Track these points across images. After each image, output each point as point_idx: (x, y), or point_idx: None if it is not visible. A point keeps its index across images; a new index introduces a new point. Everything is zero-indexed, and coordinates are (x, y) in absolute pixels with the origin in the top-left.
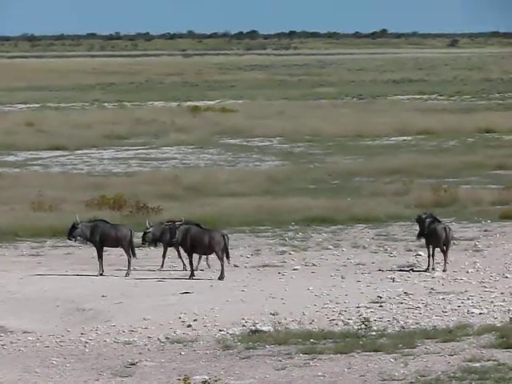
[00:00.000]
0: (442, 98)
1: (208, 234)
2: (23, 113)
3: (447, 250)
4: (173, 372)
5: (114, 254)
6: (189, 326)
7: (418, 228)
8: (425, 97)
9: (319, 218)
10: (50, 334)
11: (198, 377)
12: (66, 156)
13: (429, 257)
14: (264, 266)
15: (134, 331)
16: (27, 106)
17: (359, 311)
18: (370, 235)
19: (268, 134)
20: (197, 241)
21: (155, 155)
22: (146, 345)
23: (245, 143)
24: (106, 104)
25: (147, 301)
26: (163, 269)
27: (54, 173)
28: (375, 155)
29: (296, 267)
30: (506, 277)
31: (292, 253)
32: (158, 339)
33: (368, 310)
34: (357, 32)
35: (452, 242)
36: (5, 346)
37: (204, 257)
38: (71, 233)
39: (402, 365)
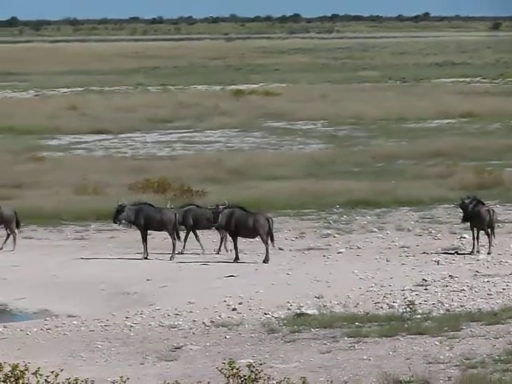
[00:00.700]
0: (484, 80)
1: (253, 217)
2: (66, 97)
3: (492, 232)
4: (218, 356)
5: (159, 238)
6: (234, 309)
7: (462, 211)
8: (467, 80)
9: (363, 201)
10: (94, 318)
11: (242, 360)
12: (109, 140)
13: (473, 239)
14: (309, 249)
15: (178, 315)
16: (70, 90)
17: (404, 294)
18: (414, 218)
19: (311, 117)
20: (241, 224)
21: (199, 138)
22: (190, 328)
23: (288, 126)
24: (150, 88)
25: (192, 284)
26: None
27: (97, 156)
28: (418, 138)
29: (340, 250)
30: None
31: (336, 236)
32: (203, 323)
33: (413, 293)
34: (400, 15)
35: (496, 224)
36: (50, 331)
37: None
38: (116, 216)
39: (447, 348)
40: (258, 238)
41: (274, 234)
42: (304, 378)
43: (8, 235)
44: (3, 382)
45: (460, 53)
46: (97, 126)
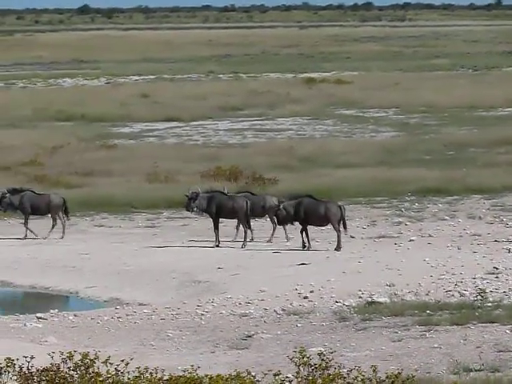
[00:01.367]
0: None
1: (324, 205)
2: (138, 84)
3: None
4: (289, 344)
5: (230, 226)
6: (305, 297)
7: None
8: None
9: (434, 189)
10: (165, 307)
11: (313, 349)
12: (181, 127)
13: None
14: (380, 237)
15: (250, 303)
16: (142, 77)
17: (475, 282)
18: (485, 206)
19: (383, 105)
20: (312, 212)
21: (270, 126)
22: (262, 317)
23: (360, 114)
24: (221, 75)
25: (263, 272)
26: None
27: (169, 144)
28: (489, 126)
29: (412, 238)
30: None
31: (408, 224)
32: (275, 311)
33: (484, 281)
34: (471, 4)
35: None
36: (120, 319)
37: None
38: (189, 204)
39: None
40: (329, 226)
41: (346, 221)
42: (375, 366)
43: (54, 224)
44: (73, 370)
45: None
46: (168, 114)
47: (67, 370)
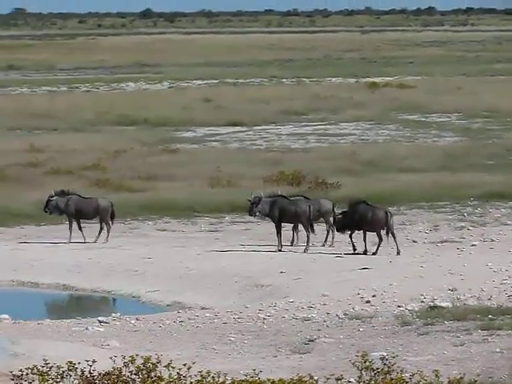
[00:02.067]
0: None
1: (372, 210)
2: (201, 89)
3: None
4: (351, 348)
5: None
6: (367, 301)
7: None
8: None
9: (497, 194)
10: (227, 311)
11: (376, 353)
12: (244, 132)
13: None
14: (442, 242)
15: (312, 307)
16: (205, 82)
17: None
18: None
19: (446, 110)
20: (362, 217)
21: (333, 131)
22: (324, 321)
23: (423, 119)
24: (284, 80)
25: (326, 277)
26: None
27: (231, 148)
28: None
29: (474, 243)
30: None
31: (470, 228)
32: (337, 315)
33: None
34: None
35: None
36: (182, 323)
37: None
38: (252, 208)
39: None
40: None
41: (409, 226)
42: (437, 370)
43: (101, 228)
44: (135, 374)
45: None
46: (231, 118)
47: (129, 374)
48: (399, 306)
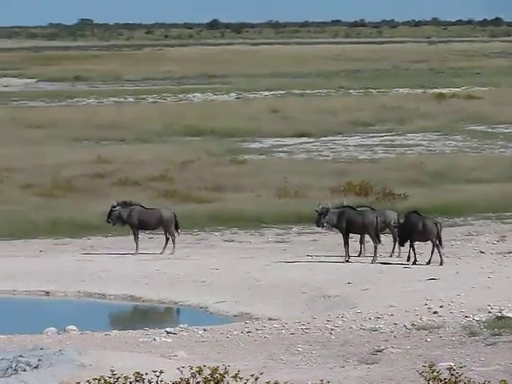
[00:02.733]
0: None
1: (422, 220)
2: (267, 99)
3: None
4: (418, 359)
5: (356, 240)
6: (435, 312)
7: None
8: None
9: None
10: (295, 321)
11: (443, 363)
12: (311, 142)
13: None
14: (510, 253)
15: (379, 318)
16: (272, 92)
17: None
18: None
19: None
20: (413, 228)
21: (400, 142)
22: (392, 331)
23: (490, 130)
24: (351, 91)
25: (393, 287)
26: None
27: (299, 159)
28: None
29: None
30: None
31: None
32: (404, 326)
33: None
34: None
35: None
36: (250, 333)
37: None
38: (319, 219)
39: None
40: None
41: (476, 236)
42: (504, 381)
43: (167, 239)
44: None
45: None
46: (298, 129)
47: None
48: (466, 317)
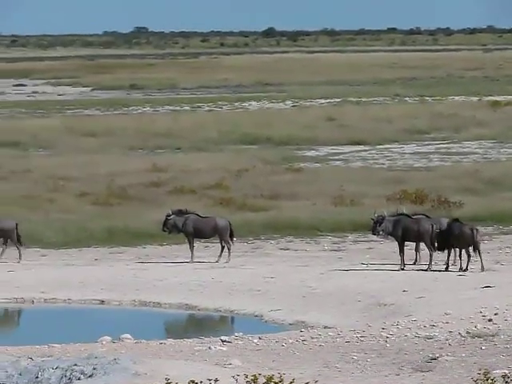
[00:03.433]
0: None
1: (459, 228)
2: (323, 107)
3: None
4: (473, 366)
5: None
6: (489, 320)
7: None
8: None
9: None
10: (350, 329)
11: (498, 371)
12: (367, 151)
13: None
14: None
15: (434, 326)
16: (327, 100)
17: None
18: None
19: None
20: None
21: (456, 150)
22: (446, 339)
23: None
24: (407, 98)
25: (448, 295)
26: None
27: (354, 167)
28: None
29: None
30: None
31: None
32: (459, 333)
33: None
34: None
35: None
36: (305, 342)
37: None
38: (375, 227)
39: None
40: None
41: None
42: None
43: (223, 247)
44: None
45: None
46: (354, 137)
47: None
48: None
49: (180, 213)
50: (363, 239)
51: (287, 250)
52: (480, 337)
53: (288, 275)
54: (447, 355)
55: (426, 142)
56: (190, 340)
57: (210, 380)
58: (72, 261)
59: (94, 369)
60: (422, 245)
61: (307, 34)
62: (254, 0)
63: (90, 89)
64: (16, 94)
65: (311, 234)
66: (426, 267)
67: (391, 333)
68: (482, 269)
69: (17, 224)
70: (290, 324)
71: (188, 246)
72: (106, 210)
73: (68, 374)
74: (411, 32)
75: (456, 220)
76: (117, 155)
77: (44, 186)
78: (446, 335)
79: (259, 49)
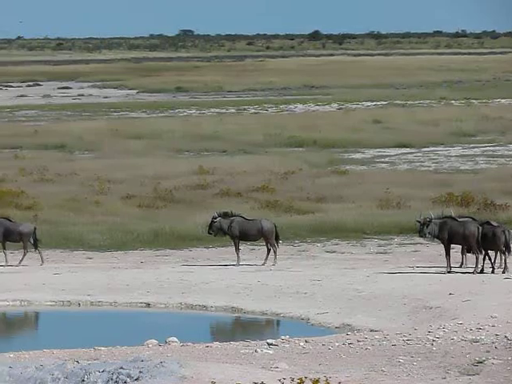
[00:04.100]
0: None
1: (492, 230)
2: (370, 110)
3: None
4: None
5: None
6: None
7: None
8: None
9: None
10: (396, 332)
11: None
12: (413, 153)
13: None
14: None
15: (481, 329)
16: (373, 103)
17: None
18: None
19: None
20: (484, 236)
21: (502, 152)
22: (493, 343)
23: None
24: (453, 101)
25: (495, 298)
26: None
27: (400, 170)
28: None
29: None
30: None
31: None
32: (506, 337)
33: None
34: None
35: None
36: (351, 345)
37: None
38: (422, 230)
39: None
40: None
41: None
42: None
43: (269, 250)
44: None
45: None
46: (400, 140)
47: None
48: None
49: (226, 215)
50: (409, 242)
51: (333, 252)
52: None
53: (334, 278)
54: (494, 358)
55: (472, 145)
56: (236, 343)
57: (256, 383)
58: (118, 263)
59: (141, 372)
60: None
61: (353, 36)
62: (299, 3)
63: (135, 91)
64: (62, 96)
65: (357, 236)
66: (472, 270)
67: (437, 336)
68: (504, 271)
69: (35, 228)
70: (337, 327)
71: (234, 248)
72: (152, 212)
73: (114, 377)
74: (457, 35)
75: (487, 223)
76: (163, 158)
77: (90, 189)
78: (492, 338)
79: (305, 51)
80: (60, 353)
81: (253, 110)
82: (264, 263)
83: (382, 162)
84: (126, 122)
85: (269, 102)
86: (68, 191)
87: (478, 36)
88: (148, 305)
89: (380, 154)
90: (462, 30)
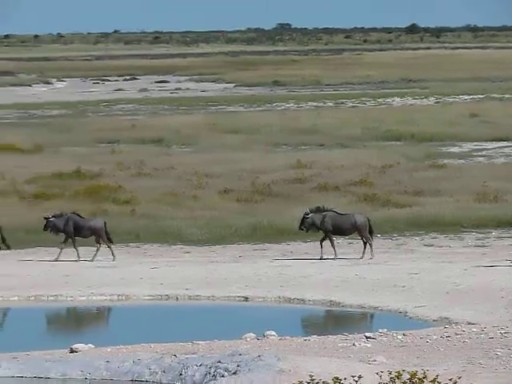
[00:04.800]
0: None
1: None
2: (467, 104)
3: None
4: None
5: None
6: None
7: None
8: None
9: None
10: (494, 325)
11: None
12: (510, 147)
13: None
14: None
15: None
16: (471, 96)
17: None
18: None
19: None
20: None
21: None
22: None
23: None
24: None
25: None
26: None
27: (497, 164)
28: None
29: None
30: None
31: None
32: None
33: None
34: None
35: None
36: (449, 338)
37: None
38: None
39: None
40: None
41: None
42: None
43: (365, 243)
44: None
45: None
46: (497, 134)
47: None
48: None
49: (318, 210)
50: (507, 235)
51: (431, 246)
52: None
53: (432, 271)
54: None
55: None
56: (334, 337)
57: (353, 376)
58: (216, 257)
59: (238, 366)
60: None
61: (450, 30)
62: None
63: (233, 85)
64: (159, 90)
65: (455, 230)
66: None
67: None
68: None
69: (105, 222)
70: (434, 320)
71: (329, 243)
72: (250, 206)
73: (212, 371)
74: None
75: None
76: (260, 152)
77: (187, 183)
78: None
79: (402, 45)
80: (157, 347)
81: (350, 104)
82: (361, 257)
83: (479, 156)
84: (224, 116)
85: (366, 95)
86: (165, 185)
87: None
88: (246, 298)
89: (477, 147)
90: None
